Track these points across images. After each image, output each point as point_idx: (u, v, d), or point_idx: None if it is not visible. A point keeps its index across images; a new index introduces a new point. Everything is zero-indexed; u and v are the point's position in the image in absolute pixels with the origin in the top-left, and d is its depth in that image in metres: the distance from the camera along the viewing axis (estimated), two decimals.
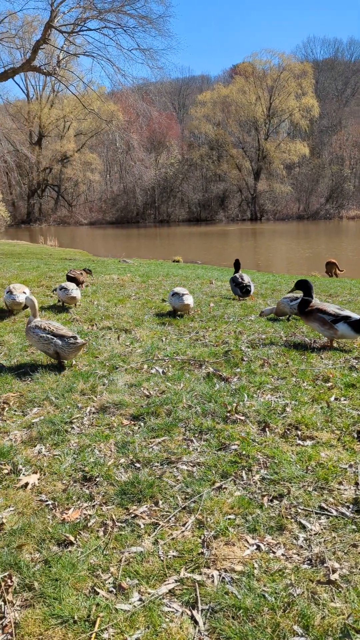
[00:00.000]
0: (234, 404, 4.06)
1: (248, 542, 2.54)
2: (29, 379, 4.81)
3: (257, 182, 65.39)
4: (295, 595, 2.19)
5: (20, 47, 25.13)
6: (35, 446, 3.56)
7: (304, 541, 2.54)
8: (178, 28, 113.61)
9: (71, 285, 7.60)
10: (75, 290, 7.54)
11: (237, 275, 8.65)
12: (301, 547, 2.51)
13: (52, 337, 4.94)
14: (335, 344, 5.56)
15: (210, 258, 23.64)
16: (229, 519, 2.71)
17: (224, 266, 12.88)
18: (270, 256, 26.08)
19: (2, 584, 2.28)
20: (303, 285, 5.59)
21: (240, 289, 8.43)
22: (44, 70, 20.92)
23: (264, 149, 64.95)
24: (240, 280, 8.49)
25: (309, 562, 2.40)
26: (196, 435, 3.65)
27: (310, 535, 2.58)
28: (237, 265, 9.08)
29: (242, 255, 24.59)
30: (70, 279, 8.74)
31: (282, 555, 2.45)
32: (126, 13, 19.84)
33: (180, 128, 73.79)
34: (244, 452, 3.35)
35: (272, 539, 2.56)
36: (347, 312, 5.27)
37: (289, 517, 2.72)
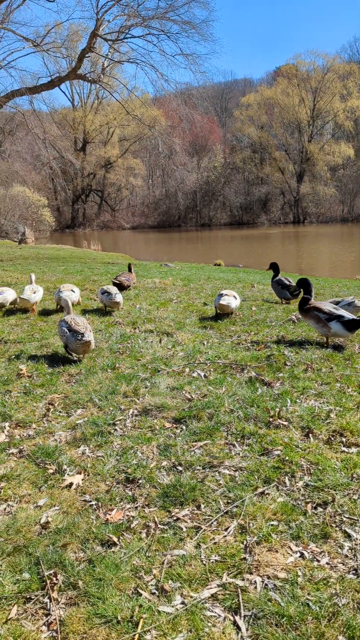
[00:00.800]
0: (277, 409, 4.01)
1: (291, 549, 2.51)
2: (74, 381, 4.90)
3: (300, 184, 64.57)
4: (340, 605, 2.15)
5: (66, 57, 25.71)
6: (79, 447, 3.62)
7: (349, 550, 2.49)
8: (221, 32, 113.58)
9: (113, 290, 7.72)
10: (117, 295, 7.66)
11: (282, 277, 8.51)
12: (346, 556, 2.46)
13: (67, 330, 5.34)
14: (330, 342, 5.79)
15: (251, 261, 23.49)
16: (272, 525, 2.68)
17: (265, 270, 12.78)
18: (313, 259, 25.69)
19: (48, 581, 2.33)
20: (303, 284, 5.98)
21: (290, 292, 8.21)
22: (89, 78, 21.35)
23: (307, 151, 64.12)
24: (287, 282, 8.33)
25: (354, 572, 2.35)
26: (238, 439, 3.63)
27: (356, 544, 2.52)
28: (276, 268, 8.82)
29: (284, 259, 24.34)
30: (115, 284, 8.87)
31: (327, 563, 2.41)
32: (170, 19, 20.02)
33: (222, 131, 73.76)
34: (287, 458, 3.31)
35: (316, 547, 2.52)
36: (341, 312, 5.55)
37: (333, 525, 2.67)
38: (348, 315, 5.47)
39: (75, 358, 5.53)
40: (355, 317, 5.44)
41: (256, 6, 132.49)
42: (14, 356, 5.64)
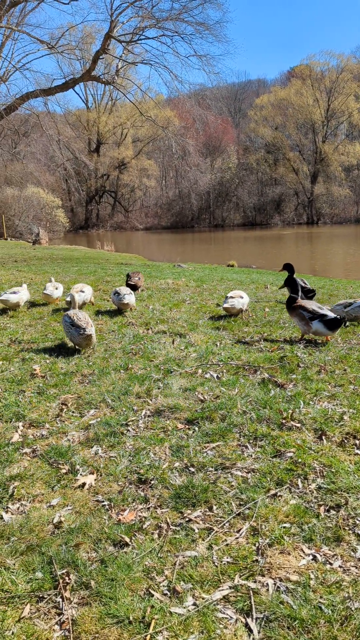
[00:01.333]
0: (290, 411, 4.00)
1: (304, 552, 2.49)
2: (87, 381, 4.92)
3: (314, 185, 64.25)
4: (353, 609, 2.13)
5: (80, 58, 25.87)
6: (92, 447, 3.64)
7: None
8: (235, 32, 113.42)
9: (124, 290, 7.77)
10: (127, 296, 7.70)
11: (296, 279, 8.44)
12: (359, 559, 2.44)
13: (70, 325, 5.64)
14: (308, 338, 6.09)
15: (265, 262, 23.41)
16: (284, 527, 2.67)
17: (279, 271, 12.73)
18: (327, 260, 25.52)
19: (61, 581, 2.34)
20: (291, 283, 6.36)
21: (305, 293, 8.16)
22: (103, 80, 21.46)
23: (321, 152, 63.80)
24: (303, 284, 8.28)
25: None
26: (251, 441, 3.62)
27: None
28: (290, 269, 8.72)
29: (298, 260, 24.22)
30: (130, 286, 8.90)
31: (340, 567, 2.39)
32: (184, 20, 20.05)
33: (236, 132, 73.68)
34: (299, 460, 3.29)
35: (329, 550, 2.50)
36: (324, 311, 5.82)
37: (346, 528, 2.65)
38: (330, 314, 5.77)
39: (78, 349, 5.85)
40: (336, 317, 5.72)
41: (270, 6, 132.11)
42: (27, 356, 5.68)
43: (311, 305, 5.90)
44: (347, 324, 6.79)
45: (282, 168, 67.04)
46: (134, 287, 8.93)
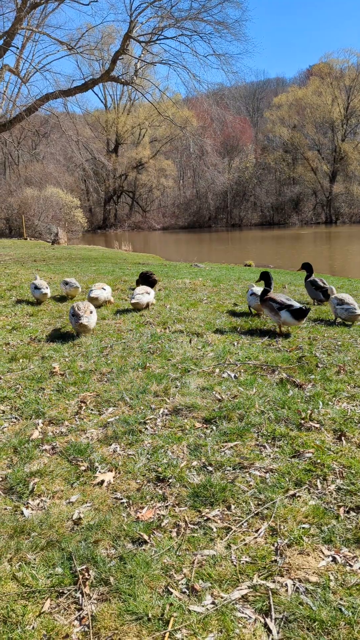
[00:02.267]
0: (308, 411, 3.97)
1: (323, 553, 2.48)
2: (105, 379, 4.95)
3: (333, 184, 63.67)
4: None
5: (99, 59, 26.01)
6: (111, 445, 3.66)
7: None
8: (254, 31, 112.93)
9: (140, 290, 7.95)
10: (138, 295, 7.86)
11: (315, 278, 8.40)
12: None
13: (72, 315, 6.38)
14: (283, 330, 6.47)
15: (282, 262, 23.27)
16: (303, 528, 2.66)
17: (297, 270, 12.64)
18: (346, 260, 25.28)
19: (80, 576, 2.36)
20: (265, 277, 6.75)
21: (323, 293, 8.12)
22: (122, 80, 21.54)
23: (341, 151, 63.19)
24: (321, 283, 8.23)
25: None
26: (269, 441, 3.61)
27: None
28: (309, 268, 8.69)
29: (316, 260, 24.02)
30: (150, 283, 9.06)
31: None
32: (203, 20, 20.01)
33: (254, 131, 73.40)
34: (318, 461, 3.27)
35: (349, 551, 2.48)
36: (292, 302, 6.18)
37: None
38: (296, 305, 6.14)
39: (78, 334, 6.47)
40: (302, 307, 6.08)
41: (289, 3, 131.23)
42: (47, 354, 5.73)
43: (280, 297, 6.32)
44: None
45: (300, 167, 66.59)
46: (152, 284, 9.05)
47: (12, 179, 51.39)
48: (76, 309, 6.37)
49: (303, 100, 64.55)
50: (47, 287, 8.56)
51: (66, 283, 9.01)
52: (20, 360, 5.58)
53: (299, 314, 6.08)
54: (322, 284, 8.21)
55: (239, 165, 67.97)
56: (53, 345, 6.09)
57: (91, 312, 6.46)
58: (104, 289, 8.23)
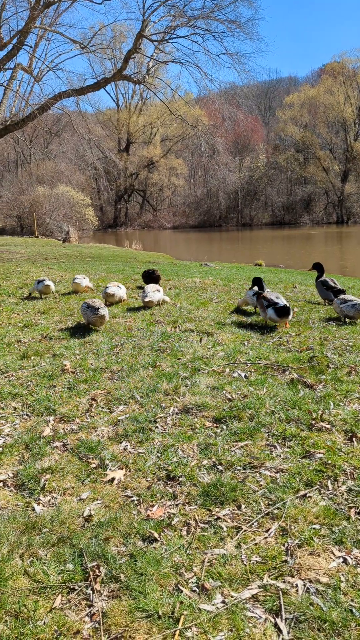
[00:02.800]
0: (319, 412, 3.96)
1: (334, 554, 2.47)
2: (116, 378, 4.97)
3: (345, 184, 63.28)
4: None
5: (111, 58, 26.04)
6: (121, 443, 3.67)
7: None
8: (266, 30, 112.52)
9: (152, 288, 8.09)
10: (151, 293, 7.97)
11: (326, 278, 8.36)
12: None
13: (86, 307, 6.61)
14: (269, 324, 6.84)
15: (293, 262, 23.19)
16: (314, 528, 2.65)
17: (308, 270, 12.59)
18: (357, 260, 25.12)
19: (91, 573, 2.38)
20: (257, 282, 7.38)
21: (334, 293, 8.08)
22: (134, 79, 21.55)
23: (353, 150, 62.79)
24: (332, 284, 8.19)
25: None
26: (279, 441, 3.60)
27: None
28: (320, 268, 8.66)
29: (327, 260, 23.89)
30: (154, 280, 9.22)
31: None
32: (215, 19, 19.95)
33: (266, 131, 73.16)
34: (329, 462, 3.26)
35: None
36: (277, 301, 6.50)
37: None
38: (281, 303, 6.45)
39: (93, 328, 6.75)
40: (284, 305, 6.38)
41: (303, 2, 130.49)
42: (58, 352, 5.76)
43: (271, 295, 6.67)
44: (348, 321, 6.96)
45: (312, 167, 66.26)
46: (156, 281, 9.27)
47: (24, 177, 51.65)
48: (91, 302, 6.61)
49: (315, 100, 64.23)
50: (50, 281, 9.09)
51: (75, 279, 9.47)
52: (32, 358, 5.62)
53: (281, 312, 6.40)
54: (332, 284, 8.17)
55: (250, 165, 67.75)
56: (64, 343, 6.12)
57: (104, 307, 6.69)
58: (119, 287, 8.43)
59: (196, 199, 72.90)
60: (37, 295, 9.24)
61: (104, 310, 6.56)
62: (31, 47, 19.53)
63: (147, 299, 7.89)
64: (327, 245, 35.94)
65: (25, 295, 9.43)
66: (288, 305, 6.46)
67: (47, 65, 19.99)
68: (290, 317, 6.54)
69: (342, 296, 7.02)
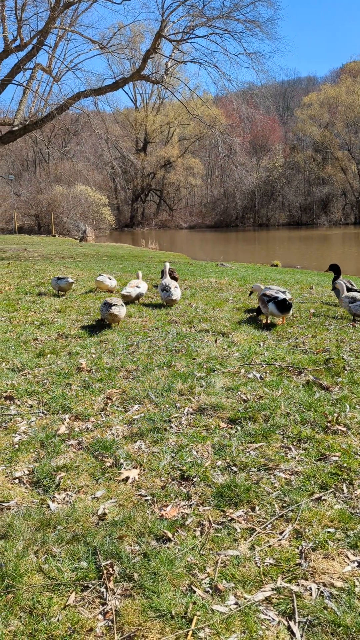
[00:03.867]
0: (335, 414, 3.93)
1: (349, 558, 2.45)
2: (131, 377, 4.98)
3: None
4: None
5: (130, 58, 26.12)
6: (136, 442, 3.68)
7: None
8: (285, 29, 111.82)
9: (172, 284, 8.17)
10: (172, 290, 8.07)
11: (343, 280, 8.30)
12: None
13: (104, 304, 6.82)
14: (269, 321, 6.95)
15: (310, 263, 23.03)
16: (328, 532, 2.63)
17: (324, 271, 12.50)
18: None
19: (105, 571, 2.39)
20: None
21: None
22: (152, 79, 21.57)
23: None
24: (349, 285, 8.13)
25: None
26: (294, 443, 3.58)
27: None
28: (337, 270, 8.61)
29: (344, 261, 23.68)
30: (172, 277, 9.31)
31: None
32: (234, 18, 19.85)
33: (283, 131, 72.79)
34: (345, 465, 3.24)
35: None
36: (278, 294, 6.56)
37: None
38: (281, 296, 6.52)
39: (108, 323, 6.93)
40: (284, 298, 6.47)
41: (324, 1, 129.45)
42: (74, 350, 5.80)
43: (270, 290, 6.81)
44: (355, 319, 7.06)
45: (330, 167, 65.77)
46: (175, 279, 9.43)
47: (42, 177, 52.09)
48: (109, 300, 6.81)
49: (335, 99, 63.75)
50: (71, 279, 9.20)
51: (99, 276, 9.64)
52: (48, 356, 5.66)
53: (282, 306, 6.44)
54: (350, 285, 8.10)
55: (268, 165, 67.43)
56: (80, 342, 6.16)
57: (122, 305, 6.85)
58: (139, 287, 8.56)
59: (213, 199, 72.78)
60: (55, 292, 9.37)
61: (117, 309, 6.69)
62: (51, 47, 19.66)
63: (173, 297, 8.02)
64: (345, 247, 35.63)
65: (42, 292, 9.53)
66: (288, 298, 6.59)
67: (66, 65, 20.10)
68: (290, 313, 6.64)
69: (350, 294, 7.06)
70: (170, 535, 2.64)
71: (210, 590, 2.28)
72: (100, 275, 9.65)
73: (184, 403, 4.31)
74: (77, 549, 2.55)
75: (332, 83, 71.89)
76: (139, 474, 3.25)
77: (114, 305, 6.69)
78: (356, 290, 7.93)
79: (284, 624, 2.10)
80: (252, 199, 68.65)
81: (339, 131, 65.29)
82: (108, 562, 2.46)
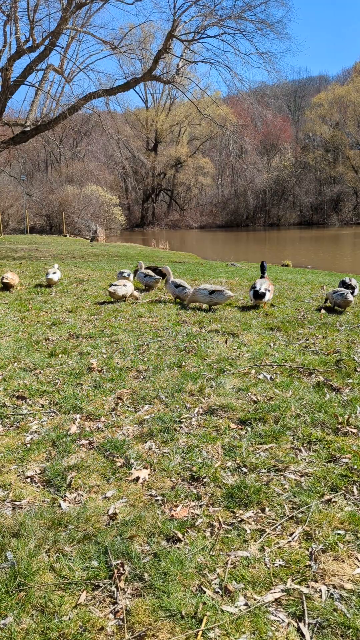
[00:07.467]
0: (346, 416, 3.92)
1: (359, 560, 2.45)
2: (141, 377, 5.01)
3: None
4: None
5: (141, 58, 26.15)
6: (146, 442, 3.70)
7: None
8: (297, 28, 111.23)
9: (184, 282, 8.57)
10: (187, 289, 8.33)
11: (345, 278, 8.39)
12: None
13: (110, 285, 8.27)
14: (253, 305, 8.12)
15: (320, 263, 22.92)
16: (339, 534, 2.63)
17: (335, 271, 12.47)
18: None
19: (115, 571, 2.41)
20: (262, 269, 8.83)
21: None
22: (164, 79, 21.60)
23: None
24: (348, 281, 8.16)
25: None
26: (305, 444, 3.58)
27: None
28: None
29: (355, 261, 23.54)
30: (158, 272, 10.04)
31: None
32: (246, 19, 19.80)
33: (294, 130, 72.46)
34: (355, 467, 3.23)
35: None
36: (256, 286, 7.92)
37: None
38: (256, 287, 7.88)
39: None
40: (257, 290, 7.81)
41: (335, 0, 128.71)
42: (85, 350, 5.83)
43: (257, 282, 8.05)
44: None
45: (341, 166, 65.32)
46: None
47: (53, 177, 52.34)
48: (116, 282, 8.34)
49: (345, 98, 63.34)
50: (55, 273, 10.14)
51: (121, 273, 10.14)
52: (59, 356, 5.70)
53: (256, 295, 7.83)
54: (348, 282, 8.24)
55: (278, 164, 67.14)
56: (91, 342, 6.20)
57: (124, 285, 8.40)
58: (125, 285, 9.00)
59: (223, 199, 72.63)
60: (45, 284, 10.32)
61: (116, 287, 8.34)
62: (62, 48, 19.73)
63: (194, 296, 8.11)
64: (356, 247, 35.42)
65: (42, 284, 10.36)
66: (262, 290, 7.84)
67: (77, 65, 20.18)
68: (265, 299, 7.88)
69: (338, 287, 7.83)
70: (180, 535, 2.66)
71: (220, 591, 2.30)
72: (111, 285, 9.64)
73: (194, 403, 4.33)
74: (88, 548, 2.58)
75: (343, 82, 71.40)
76: (149, 474, 3.27)
77: (115, 285, 8.30)
78: (350, 287, 8.05)
79: (293, 626, 2.11)
80: (262, 199, 68.41)
81: (349, 130, 64.84)
82: (119, 561, 2.48)
